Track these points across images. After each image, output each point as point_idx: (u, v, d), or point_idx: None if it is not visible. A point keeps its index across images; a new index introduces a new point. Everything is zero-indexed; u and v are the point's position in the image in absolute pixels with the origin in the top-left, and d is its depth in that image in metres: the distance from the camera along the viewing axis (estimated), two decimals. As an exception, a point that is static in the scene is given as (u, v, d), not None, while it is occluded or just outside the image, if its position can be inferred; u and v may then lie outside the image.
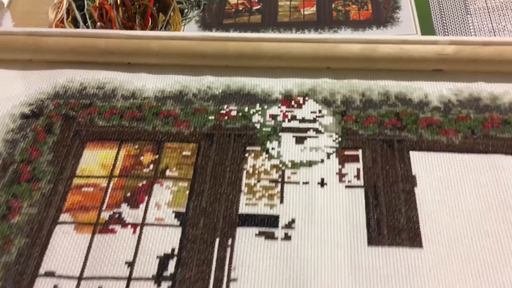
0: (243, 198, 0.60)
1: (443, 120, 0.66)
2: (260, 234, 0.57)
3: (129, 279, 0.54)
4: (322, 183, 0.61)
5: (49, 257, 0.55)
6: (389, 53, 0.69)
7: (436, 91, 0.69)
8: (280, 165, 0.63)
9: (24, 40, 0.72)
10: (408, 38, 0.70)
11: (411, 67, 0.71)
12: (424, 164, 0.62)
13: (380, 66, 0.71)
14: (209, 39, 0.71)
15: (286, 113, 0.68)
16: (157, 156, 0.64)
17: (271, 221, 0.58)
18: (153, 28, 0.80)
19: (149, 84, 0.72)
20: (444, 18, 0.83)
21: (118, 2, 0.78)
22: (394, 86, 0.70)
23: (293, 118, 0.68)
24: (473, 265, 0.54)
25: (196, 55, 0.72)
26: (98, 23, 0.77)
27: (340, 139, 0.65)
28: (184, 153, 0.64)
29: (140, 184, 0.61)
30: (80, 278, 0.54)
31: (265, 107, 0.69)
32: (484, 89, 0.69)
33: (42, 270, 0.54)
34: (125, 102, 0.70)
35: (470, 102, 0.68)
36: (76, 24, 0.79)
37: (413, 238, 0.56)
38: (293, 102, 0.69)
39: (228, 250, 0.56)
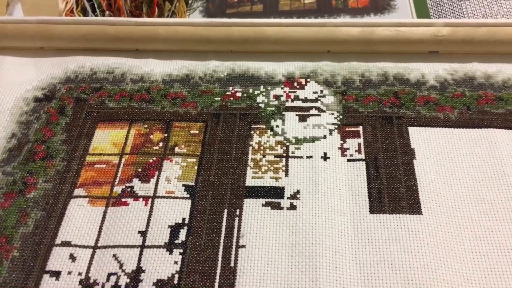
0: (249, 172, 0.62)
1: (440, 97, 0.69)
2: (266, 204, 0.59)
3: (142, 247, 0.56)
4: (325, 157, 0.63)
5: (65, 228, 0.58)
6: (387, 35, 0.72)
7: (432, 71, 0.72)
8: (285, 141, 0.65)
9: (35, 28, 0.75)
10: (405, 21, 0.73)
11: (408, 49, 0.74)
12: (422, 138, 0.65)
13: (378, 49, 0.74)
14: (214, 24, 0.74)
15: (289, 94, 0.71)
16: (166, 135, 0.67)
17: (277, 192, 0.60)
18: (160, 17, 0.83)
19: (157, 68, 0.75)
20: (439, 5, 0.86)
21: (125, -8, 0.81)
22: (392, 67, 0.73)
23: (296, 98, 0.70)
24: (470, 229, 0.56)
25: (201, 40, 0.75)
26: (107, 12, 0.79)
27: (341, 116, 0.68)
28: (192, 131, 0.67)
29: (150, 160, 0.64)
30: (95, 247, 0.56)
31: (269, 88, 0.72)
32: (478, 68, 0.72)
33: (58, 240, 0.57)
34: (134, 85, 0.73)
35: (465, 81, 0.71)
36: (85, 14, 0.82)
37: (412, 206, 0.58)
38: (295, 84, 0.72)
39: (236, 219, 0.58)
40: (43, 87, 0.73)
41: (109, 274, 0.54)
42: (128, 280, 0.53)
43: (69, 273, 0.54)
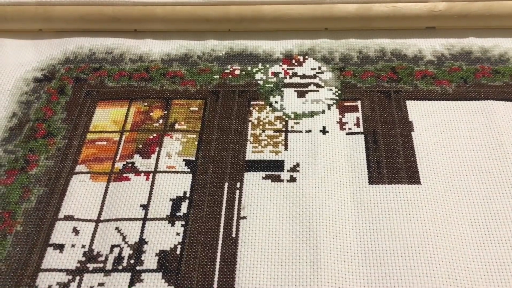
0: (249, 147, 0.63)
1: (437, 72, 0.69)
2: (266, 177, 0.60)
3: (145, 219, 0.57)
4: (324, 131, 0.64)
5: (68, 203, 0.58)
6: (384, 11, 0.72)
7: (429, 46, 0.73)
8: (284, 117, 0.66)
9: (34, 10, 0.75)
10: (402, -4, 0.73)
11: (405, 25, 0.74)
12: (420, 111, 0.65)
13: (376, 25, 0.74)
14: (212, 3, 0.75)
15: (288, 71, 0.71)
16: (165, 112, 0.67)
17: (277, 165, 0.61)
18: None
19: (155, 48, 0.75)
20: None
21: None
22: (389, 43, 0.74)
23: (294, 75, 0.71)
24: (468, 197, 0.57)
25: (199, 20, 0.75)
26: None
27: (339, 92, 0.68)
28: (191, 108, 0.67)
29: (150, 137, 0.64)
30: (97, 221, 0.57)
31: (267, 66, 0.72)
32: (475, 43, 0.73)
33: (61, 215, 0.57)
34: (133, 65, 0.73)
35: (462, 55, 0.71)
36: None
37: (411, 176, 0.59)
38: (293, 61, 0.73)
39: (237, 192, 0.59)
40: (43, 68, 0.73)
41: (113, 246, 0.54)
42: (131, 252, 0.54)
43: (73, 245, 0.55)
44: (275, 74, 0.71)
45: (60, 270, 0.53)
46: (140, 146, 0.63)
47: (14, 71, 0.72)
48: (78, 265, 0.53)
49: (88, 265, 0.53)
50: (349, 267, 0.52)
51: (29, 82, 0.71)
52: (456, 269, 0.51)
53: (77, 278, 0.52)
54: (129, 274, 0.52)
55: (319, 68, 0.71)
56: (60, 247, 0.55)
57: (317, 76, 0.70)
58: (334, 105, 0.67)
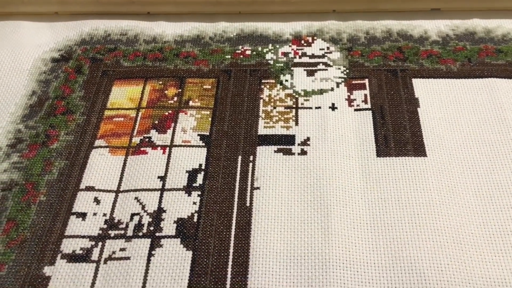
0: (261, 122, 0.65)
1: (442, 51, 0.72)
2: (278, 151, 0.62)
3: (162, 190, 0.59)
4: (333, 107, 0.66)
5: (88, 175, 0.61)
6: (390, -7, 0.75)
7: (434, 27, 0.75)
8: (294, 94, 0.68)
9: (50, -7, 0.78)
10: (408, -21, 0.75)
11: (411, 7, 0.76)
12: (425, 89, 0.68)
13: (382, 7, 0.76)
14: (223, -14, 0.77)
15: (297, 51, 0.74)
16: (180, 90, 0.69)
17: (288, 139, 0.63)
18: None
19: (168, 30, 0.78)
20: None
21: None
22: (395, 24, 0.76)
23: (304, 54, 0.73)
24: (472, 168, 0.59)
25: (210, 2, 0.77)
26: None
27: (347, 70, 0.70)
28: (204, 86, 0.70)
29: (166, 113, 0.67)
30: (117, 191, 0.59)
31: (277, 46, 0.74)
32: (478, 24, 0.75)
33: (82, 186, 0.60)
34: (147, 45, 0.75)
35: (466, 35, 0.74)
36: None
37: (417, 149, 0.61)
38: (302, 41, 0.75)
39: (250, 164, 0.61)
40: (60, 49, 0.75)
41: (132, 215, 0.57)
42: (150, 219, 0.56)
43: (95, 214, 0.57)
44: (285, 54, 0.73)
45: (83, 237, 0.55)
46: (156, 122, 0.66)
47: (32, 52, 0.75)
48: (100, 232, 0.56)
49: (109, 232, 0.56)
50: (358, 233, 0.54)
51: (47, 62, 0.74)
52: (461, 235, 0.53)
53: (100, 243, 0.55)
54: (149, 240, 0.55)
55: (328, 48, 0.74)
56: (82, 215, 0.57)
57: (326, 56, 0.73)
58: (343, 83, 0.69)
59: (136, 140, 0.64)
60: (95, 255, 0.54)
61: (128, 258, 0.54)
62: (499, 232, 0.54)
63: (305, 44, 0.74)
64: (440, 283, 0.50)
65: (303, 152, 0.62)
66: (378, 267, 0.52)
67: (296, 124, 0.65)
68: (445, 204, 0.56)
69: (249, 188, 0.59)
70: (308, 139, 0.63)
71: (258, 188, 0.59)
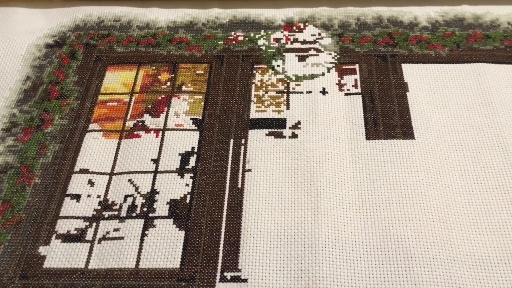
0: (253, 106, 0.66)
1: (431, 37, 0.73)
2: (270, 134, 0.63)
3: (155, 172, 0.60)
4: (323, 92, 0.67)
5: (82, 158, 0.62)
6: (381, -20, 0.76)
7: (424, 14, 0.76)
8: (285, 79, 0.69)
9: (43, -21, 0.78)
10: (398, -35, 0.76)
11: (401, -7, 0.77)
12: (415, 74, 0.69)
13: (373, -6, 0.77)
14: (216, -27, 0.78)
15: (289, 37, 0.75)
16: (173, 75, 0.70)
17: (279, 123, 0.64)
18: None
19: (161, 16, 0.78)
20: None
21: None
22: (386, 11, 0.77)
23: (295, 40, 0.74)
24: (458, 150, 0.61)
25: (203, -11, 0.78)
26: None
27: (338, 56, 0.71)
28: (197, 72, 0.71)
29: (159, 98, 0.68)
30: (111, 174, 0.60)
31: (269, 32, 0.75)
32: (467, 10, 0.76)
33: (77, 168, 0.61)
34: (140, 31, 0.76)
35: (455, 21, 0.75)
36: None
37: (406, 132, 0.62)
38: (294, 28, 0.76)
39: (242, 147, 0.62)
40: (54, 35, 0.76)
41: (126, 196, 0.58)
42: (143, 201, 0.58)
43: (89, 196, 0.58)
44: (277, 40, 0.74)
45: (78, 217, 0.57)
46: (149, 106, 0.67)
47: (26, 38, 0.75)
48: (94, 213, 0.57)
49: (103, 213, 0.57)
50: (347, 213, 0.56)
51: (41, 47, 0.74)
52: (447, 214, 0.55)
53: (94, 224, 0.56)
54: (142, 220, 0.56)
55: (319, 34, 0.74)
56: (76, 197, 0.58)
57: (317, 42, 0.73)
58: (333, 68, 0.70)
59: (129, 124, 0.65)
60: (89, 235, 0.55)
61: (122, 238, 0.55)
62: (483, 212, 0.55)
63: (296, 30, 0.75)
64: (425, 260, 0.51)
65: (294, 135, 0.63)
66: (366, 246, 0.53)
67: (288, 108, 0.66)
68: (432, 185, 0.57)
69: (240, 170, 0.60)
70: (299, 122, 0.64)
71: (249, 170, 0.60)
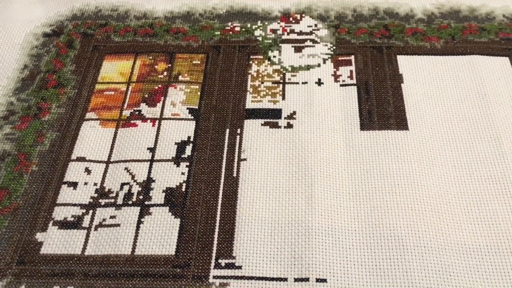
0: (249, 97, 0.67)
1: (427, 29, 0.73)
2: (265, 124, 0.64)
3: (152, 161, 0.61)
4: (319, 83, 0.68)
5: (79, 146, 0.62)
6: (378, -29, 0.76)
7: (420, 5, 0.77)
8: (281, 70, 0.70)
9: (41, -32, 0.78)
10: (395, -43, 0.77)
11: (398, -15, 0.78)
12: (410, 65, 0.69)
13: (370, -15, 0.78)
14: (213, -37, 0.78)
15: (285, 28, 0.75)
16: (170, 65, 0.71)
17: (275, 113, 0.65)
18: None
19: (159, 6, 0.78)
20: None
21: None
22: (382, 2, 0.77)
23: (292, 31, 0.74)
24: (451, 142, 0.61)
25: (201, -21, 0.78)
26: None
27: (334, 47, 0.72)
28: (194, 62, 0.71)
29: (156, 87, 0.68)
30: (108, 162, 0.61)
31: (266, 23, 0.76)
32: (463, 3, 0.76)
33: (74, 156, 0.61)
34: (137, 21, 0.76)
35: (451, 14, 0.75)
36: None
37: (400, 123, 0.63)
38: (291, 19, 0.76)
39: (238, 137, 0.63)
40: (51, 24, 0.76)
41: (122, 184, 0.59)
42: (140, 189, 0.58)
43: (85, 183, 0.59)
44: (274, 31, 0.75)
45: (75, 205, 0.57)
46: (146, 95, 0.67)
47: (23, 27, 0.75)
48: (91, 200, 0.58)
49: (100, 200, 0.58)
50: (340, 202, 0.57)
51: (39, 36, 0.74)
52: (439, 204, 0.56)
53: (90, 211, 0.57)
54: (138, 208, 0.57)
55: (315, 25, 0.75)
56: (73, 184, 0.59)
57: (313, 33, 0.74)
58: (329, 59, 0.71)
59: (126, 113, 0.66)
60: (86, 222, 0.56)
61: (118, 225, 0.55)
62: (474, 202, 0.56)
63: (293, 21, 0.76)
64: (417, 249, 0.52)
65: (289, 126, 0.64)
66: (358, 234, 0.54)
67: (283, 98, 0.67)
68: (425, 175, 0.58)
69: (236, 160, 0.61)
70: (294, 113, 0.65)
71: (245, 159, 0.61)
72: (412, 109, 0.64)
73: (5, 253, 0.53)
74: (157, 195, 0.58)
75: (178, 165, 0.60)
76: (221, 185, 0.59)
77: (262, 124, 0.64)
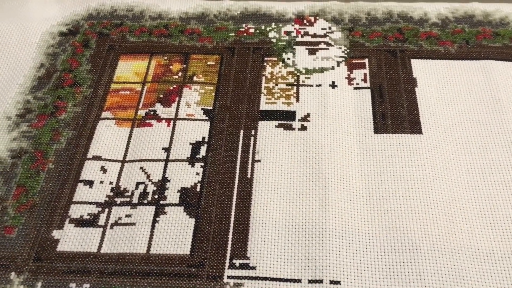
0: (263, 98, 0.67)
1: (441, 33, 0.73)
2: (279, 126, 0.64)
3: (167, 160, 0.61)
4: (333, 85, 0.68)
5: (95, 145, 0.63)
6: (392, -25, 0.76)
7: (434, 10, 0.77)
8: (295, 72, 0.70)
9: (58, -32, 0.79)
10: (410, -39, 0.77)
11: (412, -11, 0.78)
12: (423, 69, 0.69)
13: (384, -11, 0.78)
14: (228, -35, 0.78)
15: (299, 30, 0.75)
16: (184, 65, 0.71)
17: (289, 115, 0.65)
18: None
19: (174, 7, 0.79)
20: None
21: None
22: (396, 6, 0.78)
23: (306, 34, 0.75)
24: (465, 146, 0.62)
25: (216, -20, 0.78)
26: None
27: (348, 50, 0.72)
28: (208, 62, 0.71)
29: (171, 88, 0.69)
30: (123, 161, 0.62)
31: (280, 25, 0.76)
32: (477, 7, 0.76)
33: (89, 155, 0.62)
34: (153, 22, 0.77)
35: (465, 18, 0.75)
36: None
37: (413, 127, 0.63)
38: (305, 21, 0.77)
39: (252, 138, 0.63)
40: (67, 23, 0.77)
41: (138, 183, 0.59)
42: (155, 188, 0.59)
43: (101, 182, 0.60)
44: (288, 33, 0.75)
45: (91, 203, 0.58)
46: (161, 95, 0.68)
47: (40, 26, 0.76)
48: (107, 199, 0.58)
49: (116, 199, 0.58)
50: (354, 204, 0.57)
51: (55, 35, 0.75)
52: (452, 208, 0.56)
53: (106, 210, 0.57)
54: (154, 207, 0.57)
55: (329, 28, 0.75)
56: (89, 183, 0.60)
57: (327, 36, 0.74)
58: (343, 62, 0.71)
59: (141, 112, 0.66)
60: (102, 220, 0.56)
61: (134, 223, 0.56)
62: (488, 207, 0.56)
63: (307, 24, 0.76)
64: (430, 252, 0.52)
65: (303, 128, 0.64)
66: (372, 237, 0.54)
67: (297, 100, 0.67)
68: (438, 179, 0.58)
69: (250, 161, 0.61)
70: (308, 115, 0.65)
71: (259, 160, 0.61)
72: (426, 113, 0.64)
73: (22, 250, 0.54)
74: (172, 195, 0.58)
75: (193, 166, 0.61)
76: (235, 186, 0.59)
77: (276, 126, 0.64)
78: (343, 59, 0.71)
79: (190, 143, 0.63)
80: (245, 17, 0.77)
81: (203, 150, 0.62)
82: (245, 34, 0.75)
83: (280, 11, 0.78)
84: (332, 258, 0.53)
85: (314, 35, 0.74)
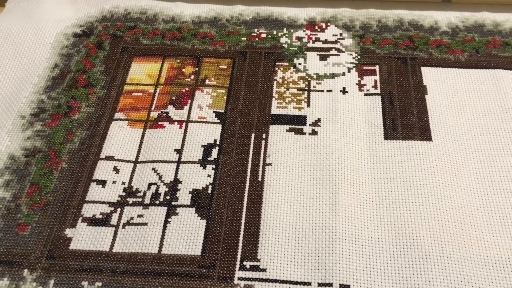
0: (274, 102, 0.68)
1: (451, 42, 0.74)
2: (290, 130, 0.65)
3: (178, 162, 0.62)
4: (344, 91, 0.69)
5: (108, 145, 0.64)
6: (404, -17, 0.77)
7: (445, 18, 0.77)
8: (306, 77, 0.71)
9: (73, -30, 0.80)
10: (421, -30, 0.78)
11: (423, -2, 0.79)
12: (434, 77, 0.70)
13: (395, -3, 0.79)
14: (241, -30, 0.79)
15: (311, 36, 0.76)
16: (197, 69, 0.72)
17: (300, 120, 0.66)
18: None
19: (187, 11, 0.80)
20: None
21: None
22: (407, 14, 0.78)
23: (317, 40, 0.76)
24: (474, 154, 0.62)
25: (229, -15, 0.79)
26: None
27: (359, 56, 0.73)
28: (220, 66, 0.72)
29: (183, 90, 0.69)
30: (136, 162, 0.62)
31: (292, 30, 0.77)
32: (487, 17, 0.77)
33: (102, 155, 0.63)
34: (166, 25, 0.78)
35: (475, 27, 0.76)
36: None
37: (423, 134, 0.64)
38: (316, 27, 0.77)
39: (263, 142, 0.64)
40: (81, 25, 0.78)
41: (150, 184, 0.60)
42: (167, 189, 0.59)
43: (114, 182, 0.60)
44: (299, 38, 0.76)
45: (103, 202, 0.59)
46: (174, 98, 0.69)
47: (54, 27, 0.77)
48: (119, 198, 0.59)
49: (128, 199, 0.59)
50: (364, 210, 0.57)
51: (69, 37, 0.76)
52: (462, 215, 0.56)
53: (118, 209, 0.58)
54: (165, 208, 0.58)
55: (341, 34, 0.76)
56: (102, 182, 0.60)
57: (338, 42, 0.75)
58: (354, 69, 0.72)
59: (154, 114, 0.67)
60: (114, 220, 0.57)
61: (145, 224, 0.57)
62: (497, 214, 0.57)
63: (318, 30, 0.77)
64: (439, 259, 0.53)
65: (314, 132, 0.65)
66: (381, 242, 0.55)
67: (308, 105, 0.68)
68: (448, 186, 0.59)
69: (261, 164, 0.62)
70: (319, 120, 0.66)
71: (270, 164, 0.62)
72: (436, 120, 0.65)
73: (35, 248, 0.55)
74: (183, 196, 0.59)
75: (204, 168, 0.62)
76: (246, 189, 0.60)
77: (287, 130, 0.65)
78: (354, 65, 0.72)
79: (202, 145, 0.64)
80: (257, 22, 0.78)
81: (214, 153, 0.63)
82: (257, 38, 0.76)
83: (292, 16, 0.79)
84: (342, 262, 0.53)
85: (325, 41, 0.75)
